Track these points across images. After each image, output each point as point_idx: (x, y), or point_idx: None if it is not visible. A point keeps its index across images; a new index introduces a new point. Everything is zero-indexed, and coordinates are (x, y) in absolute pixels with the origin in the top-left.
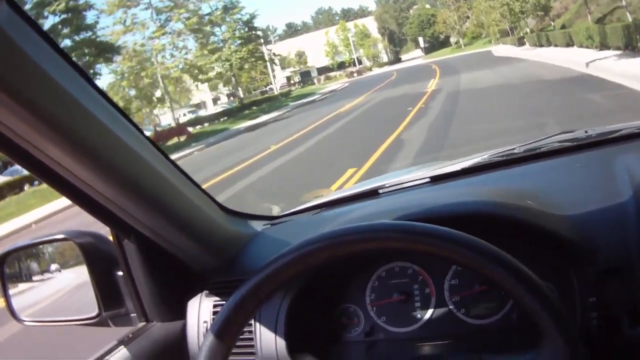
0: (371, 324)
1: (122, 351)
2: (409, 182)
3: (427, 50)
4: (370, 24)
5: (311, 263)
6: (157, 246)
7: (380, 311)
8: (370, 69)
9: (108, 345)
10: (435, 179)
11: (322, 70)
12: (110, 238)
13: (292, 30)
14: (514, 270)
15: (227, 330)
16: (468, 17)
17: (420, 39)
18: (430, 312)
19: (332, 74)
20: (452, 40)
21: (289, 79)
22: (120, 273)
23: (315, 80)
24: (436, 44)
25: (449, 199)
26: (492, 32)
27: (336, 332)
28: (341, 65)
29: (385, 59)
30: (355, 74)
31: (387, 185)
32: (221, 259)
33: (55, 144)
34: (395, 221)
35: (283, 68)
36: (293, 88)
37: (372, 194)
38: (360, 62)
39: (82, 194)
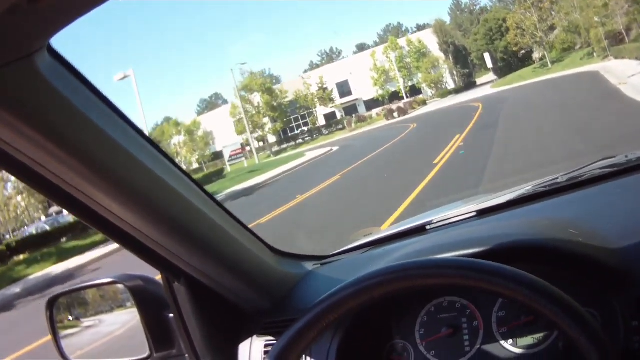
0: (421, 359)
1: None
2: (455, 217)
3: (502, 72)
4: (430, 40)
5: (377, 295)
6: (207, 288)
7: (429, 346)
8: (424, 102)
9: None
10: (482, 213)
11: (370, 104)
12: (160, 280)
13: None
14: (561, 304)
15: (287, 356)
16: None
17: (487, 56)
18: (479, 344)
19: (368, 113)
20: (535, 55)
21: (329, 117)
22: (171, 315)
23: (346, 123)
24: (514, 61)
25: (495, 232)
26: (593, 39)
27: None
28: (394, 96)
29: (451, 84)
30: (395, 114)
31: (434, 221)
32: (272, 300)
33: (104, 192)
34: (464, 258)
35: (322, 105)
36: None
37: (420, 230)
38: (418, 92)
39: (131, 238)
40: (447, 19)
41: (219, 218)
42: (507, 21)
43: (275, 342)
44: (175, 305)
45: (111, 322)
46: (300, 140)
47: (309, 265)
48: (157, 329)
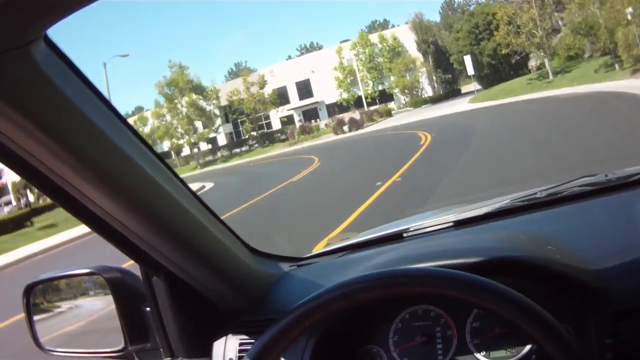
0: None
1: None
2: (433, 226)
3: (488, 81)
4: (407, 37)
5: (361, 299)
6: (185, 284)
7: (403, 353)
8: (389, 113)
9: None
10: (459, 224)
11: (332, 109)
12: (138, 274)
13: None
14: (537, 317)
15: (268, 354)
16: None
17: (468, 60)
18: (451, 354)
19: (315, 123)
20: (532, 63)
21: (285, 121)
22: (147, 308)
23: (288, 134)
24: (504, 68)
25: (473, 245)
26: (621, 42)
27: None
28: (359, 102)
29: (429, 91)
30: (346, 127)
31: (411, 229)
32: (248, 299)
33: (91, 184)
34: (445, 269)
35: (264, 110)
36: None
37: (397, 237)
38: (389, 98)
39: (114, 231)
40: (437, 18)
41: (201, 215)
42: (497, 14)
43: (250, 340)
44: (152, 299)
45: (87, 311)
46: (237, 150)
47: (285, 267)
48: (133, 321)
